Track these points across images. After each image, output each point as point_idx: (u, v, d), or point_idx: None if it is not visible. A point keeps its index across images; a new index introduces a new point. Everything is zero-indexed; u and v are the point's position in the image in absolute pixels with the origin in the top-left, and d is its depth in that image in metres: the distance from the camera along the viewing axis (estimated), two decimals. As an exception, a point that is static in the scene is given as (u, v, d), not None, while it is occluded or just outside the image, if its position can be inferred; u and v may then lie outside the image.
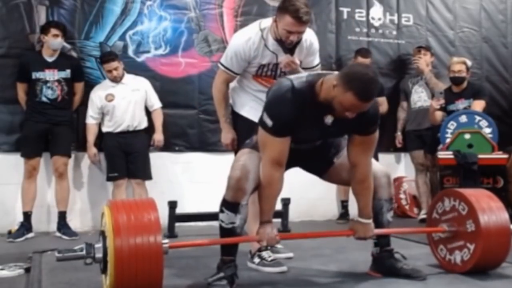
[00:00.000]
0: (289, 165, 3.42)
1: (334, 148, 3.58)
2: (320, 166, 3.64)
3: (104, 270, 3.04)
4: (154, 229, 2.95)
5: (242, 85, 4.20)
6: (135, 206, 3.08)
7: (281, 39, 3.84)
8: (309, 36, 4.11)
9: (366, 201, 3.45)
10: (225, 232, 3.41)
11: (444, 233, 3.80)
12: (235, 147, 4.09)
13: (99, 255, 3.01)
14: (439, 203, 3.89)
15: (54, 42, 5.62)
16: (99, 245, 3.03)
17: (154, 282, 2.93)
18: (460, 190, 3.94)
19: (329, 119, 3.22)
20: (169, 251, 3.07)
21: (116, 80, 5.88)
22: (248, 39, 3.93)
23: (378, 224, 3.57)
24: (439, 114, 6.29)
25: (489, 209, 3.62)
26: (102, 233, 3.06)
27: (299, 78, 3.25)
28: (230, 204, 3.34)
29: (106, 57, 5.90)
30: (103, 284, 3.14)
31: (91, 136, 5.91)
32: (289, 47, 3.90)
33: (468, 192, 3.80)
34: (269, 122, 3.17)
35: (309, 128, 3.26)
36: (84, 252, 3.01)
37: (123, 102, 5.86)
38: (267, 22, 3.99)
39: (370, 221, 3.48)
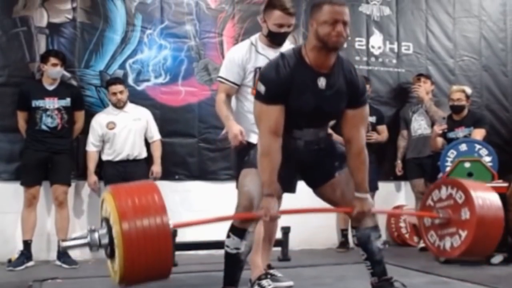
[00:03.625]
0: (291, 167, 3.44)
1: (339, 161, 3.57)
2: (320, 177, 3.59)
3: (111, 255, 3.03)
4: (160, 209, 2.99)
5: (244, 111, 4.24)
6: (137, 189, 3.11)
7: (272, 33, 4.18)
8: None
9: (363, 176, 3.45)
10: (229, 257, 3.44)
11: (436, 219, 3.83)
12: (244, 139, 4.10)
13: (104, 241, 3.01)
14: (436, 191, 3.92)
15: (53, 71, 5.64)
16: (103, 231, 3.03)
17: (164, 262, 2.97)
18: (459, 179, 4.02)
19: (322, 82, 3.31)
20: (169, 278, 3.07)
21: (120, 104, 5.91)
22: (239, 47, 4.37)
23: (369, 253, 3.50)
24: (439, 141, 6.30)
25: (485, 200, 3.67)
26: (106, 220, 3.05)
27: (286, 49, 3.52)
28: (237, 230, 3.40)
29: (113, 80, 5.97)
30: (110, 268, 3.15)
31: (91, 164, 5.90)
32: (280, 40, 4.23)
33: (467, 182, 3.87)
34: (262, 88, 3.27)
35: (303, 95, 3.30)
36: (88, 239, 3.03)
37: (124, 131, 5.88)
38: (255, 35, 4.38)
39: (368, 195, 3.47)
